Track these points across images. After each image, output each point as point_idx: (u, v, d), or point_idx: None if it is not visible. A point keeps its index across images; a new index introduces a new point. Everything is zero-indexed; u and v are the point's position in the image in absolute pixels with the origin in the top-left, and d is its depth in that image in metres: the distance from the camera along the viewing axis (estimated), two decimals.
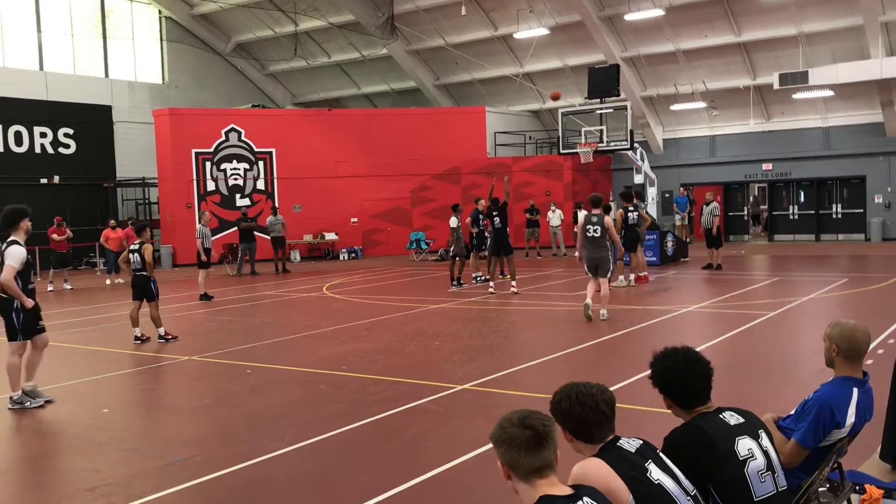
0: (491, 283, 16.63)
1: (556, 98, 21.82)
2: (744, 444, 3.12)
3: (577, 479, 2.67)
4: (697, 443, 3.09)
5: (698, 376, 3.28)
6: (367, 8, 28.64)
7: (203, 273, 17.09)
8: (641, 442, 2.89)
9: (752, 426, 3.22)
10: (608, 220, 12.28)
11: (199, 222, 18.01)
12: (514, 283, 16.01)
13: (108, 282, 21.96)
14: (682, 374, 3.27)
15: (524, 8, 27.68)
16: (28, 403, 7.99)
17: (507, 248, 16.27)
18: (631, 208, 17.15)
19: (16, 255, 7.82)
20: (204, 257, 17.14)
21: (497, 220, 16.41)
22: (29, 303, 7.93)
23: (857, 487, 4.04)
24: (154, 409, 8.17)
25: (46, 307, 16.96)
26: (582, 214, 12.83)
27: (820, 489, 3.62)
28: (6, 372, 8.07)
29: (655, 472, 2.77)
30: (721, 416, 3.22)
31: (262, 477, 5.75)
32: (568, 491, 2.50)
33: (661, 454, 2.90)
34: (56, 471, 6.14)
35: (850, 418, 3.62)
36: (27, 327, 8.07)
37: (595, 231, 12.09)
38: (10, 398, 8.01)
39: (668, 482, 2.76)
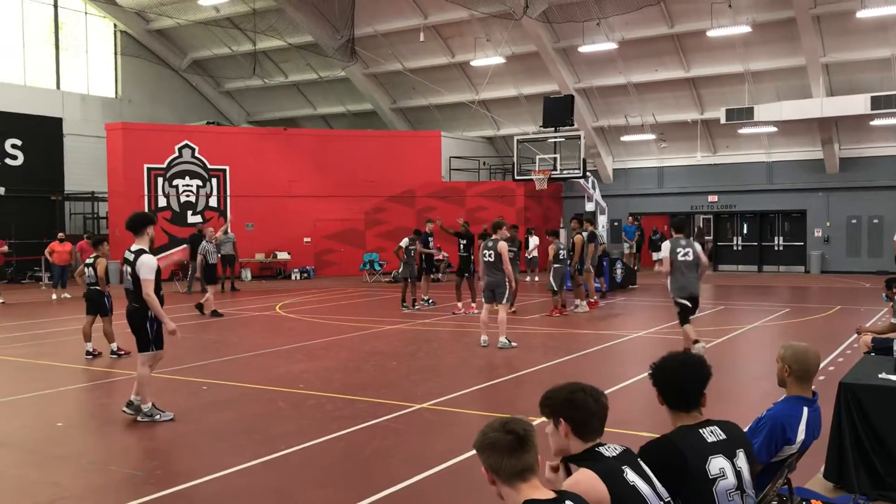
0: (459, 304, 17.02)
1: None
2: (716, 463, 3.20)
3: (569, 488, 2.79)
4: (667, 457, 3.19)
5: (687, 378, 3.39)
6: (327, 30, 28.80)
7: (212, 289, 17.27)
8: (623, 448, 3.05)
9: (730, 444, 3.28)
10: (502, 245, 12.25)
11: (204, 238, 18.17)
12: (473, 303, 16.56)
13: (53, 296, 21.50)
14: (674, 372, 3.41)
15: (481, 36, 28.16)
16: (158, 416, 7.75)
17: (469, 272, 17.41)
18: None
19: (149, 265, 7.62)
20: (198, 274, 17.28)
21: (462, 245, 17.52)
22: (171, 325, 7.69)
23: (805, 502, 4.29)
24: (110, 423, 8.09)
25: None
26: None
27: (771, 503, 3.84)
28: (137, 384, 7.80)
29: (631, 475, 2.92)
30: (701, 430, 3.29)
31: (224, 490, 5.78)
32: (551, 495, 2.64)
33: (639, 460, 3.06)
34: (14, 485, 6.06)
35: (801, 435, 3.86)
36: (159, 336, 7.85)
37: (489, 256, 12.21)
38: (140, 409, 7.77)
39: (643, 486, 2.91)
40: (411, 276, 17.89)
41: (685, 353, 3.52)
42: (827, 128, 26.40)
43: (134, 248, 7.81)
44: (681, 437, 3.28)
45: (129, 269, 7.74)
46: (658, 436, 3.38)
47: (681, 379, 3.40)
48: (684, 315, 10.58)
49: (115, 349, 11.64)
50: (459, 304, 16.91)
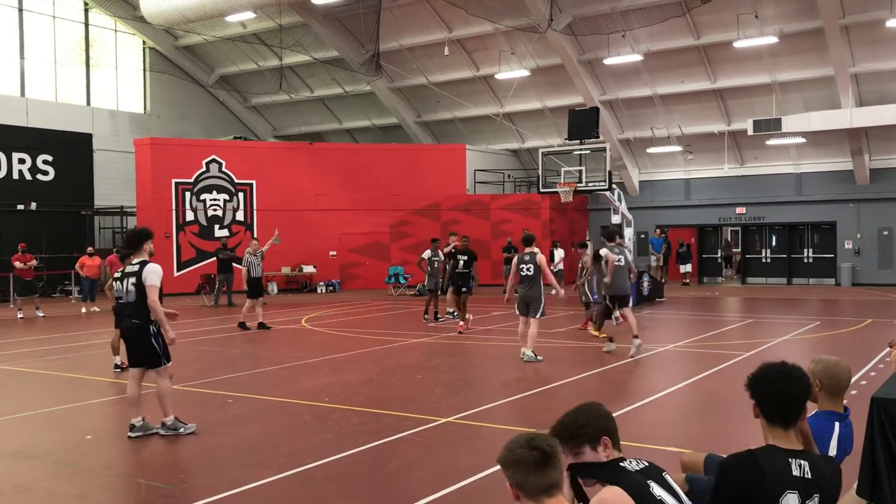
0: (461, 322, 16.40)
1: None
2: (790, 500, 3.05)
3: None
4: (746, 473, 3.06)
5: (790, 390, 3.22)
6: (352, 45, 29.02)
7: (250, 303, 16.99)
8: (647, 464, 3.01)
9: (811, 485, 3.10)
10: (541, 258, 12.34)
11: (248, 250, 17.61)
12: (461, 322, 16.22)
13: (83, 310, 21.75)
14: (776, 384, 3.23)
15: (506, 50, 28.20)
16: (182, 429, 7.75)
17: (468, 289, 16.90)
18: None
19: (156, 272, 7.63)
20: (245, 287, 17.03)
21: (463, 262, 17.02)
22: (171, 333, 7.74)
23: None
24: (138, 437, 8.14)
25: (19, 335, 16.91)
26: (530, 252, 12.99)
27: None
28: (158, 399, 7.76)
29: (657, 490, 2.89)
30: (791, 460, 3.11)
31: None
32: None
33: (664, 475, 3.02)
34: (43, 497, 6.11)
35: (832, 451, 3.79)
36: (167, 350, 7.86)
37: (528, 270, 12.21)
38: (163, 423, 7.76)
39: (670, 500, 2.88)
40: (436, 288, 17.81)
41: (784, 364, 3.31)
42: (857, 138, 26.07)
43: (135, 261, 7.81)
44: (768, 458, 3.11)
45: (130, 280, 7.67)
46: (736, 452, 3.24)
47: (782, 391, 3.22)
48: (608, 313, 13.09)
49: (119, 363, 11.68)
50: (461, 322, 16.34)
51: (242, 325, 16.84)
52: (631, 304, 13.18)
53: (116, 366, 11.68)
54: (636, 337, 12.41)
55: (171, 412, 7.83)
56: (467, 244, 17.88)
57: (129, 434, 7.69)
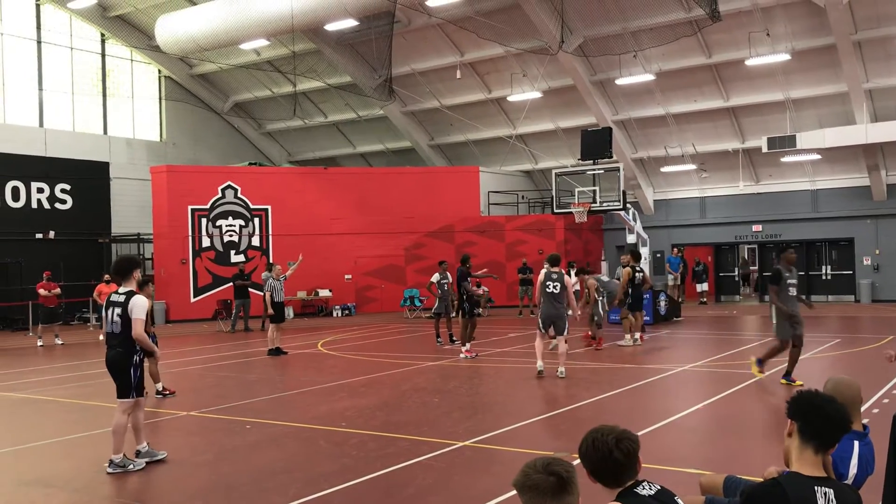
0: (463, 347, 15.83)
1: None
2: None
3: None
4: (774, 502, 3.03)
5: (835, 417, 3.18)
6: (365, 70, 29.26)
7: (273, 328, 16.83)
8: (659, 488, 2.98)
9: None
10: (567, 279, 12.68)
11: (271, 275, 17.34)
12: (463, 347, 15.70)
13: (101, 337, 21.78)
14: (822, 409, 3.19)
15: (518, 72, 28.34)
16: (131, 466, 7.57)
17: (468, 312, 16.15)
18: (638, 268, 17.42)
19: (142, 305, 7.65)
20: (271, 311, 16.80)
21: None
22: (159, 353, 8.25)
23: None
24: (155, 463, 8.14)
25: (38, 363, 17.02)
26: (542, 272, 12.98)
27: None
28: (113, 432, 7.63)
29: None
30: (816, 488, 3.06)
31: None
32: None
33: (677, 499, 2.99)
34: None
35: (853, 470, 3.73)
36: (140, 384, 7.86)
37: (555, 288, 12.44)
38: (111, 461, 7.57)
39: None
40: (446, 311, 17.68)
41: (820, 393, 3.30)
42: (873, 154, 25.94)
43: (122, 290, 7.79)
44: (793, 487, 3.06)
45: (116, 311, 7.66)
46: (760, 479, 3.22)
47: (833, 412, 3.18)
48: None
49: (161, 389, 11.77)
50: (464, 347, 15.71)
51: (277, 351, 16.62)
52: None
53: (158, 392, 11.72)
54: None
55: (122, 449, 7.64)
56: (445, 268, 17.82)
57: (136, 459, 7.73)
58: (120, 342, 7.69)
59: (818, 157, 26.94)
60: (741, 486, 3.60)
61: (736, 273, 32.18)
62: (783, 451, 3.26)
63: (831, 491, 3.06)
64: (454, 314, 17.42)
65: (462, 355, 15.35)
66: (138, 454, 7.78)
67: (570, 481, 2.59)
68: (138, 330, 7.59)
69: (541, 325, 12.72)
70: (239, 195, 27.97)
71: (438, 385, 12.22)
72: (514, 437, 8.59)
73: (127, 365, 7.70)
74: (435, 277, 17.81)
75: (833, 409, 3.18)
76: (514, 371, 13.63)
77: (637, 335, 16.92)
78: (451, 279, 17.76)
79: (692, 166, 29.39)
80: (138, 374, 7.79)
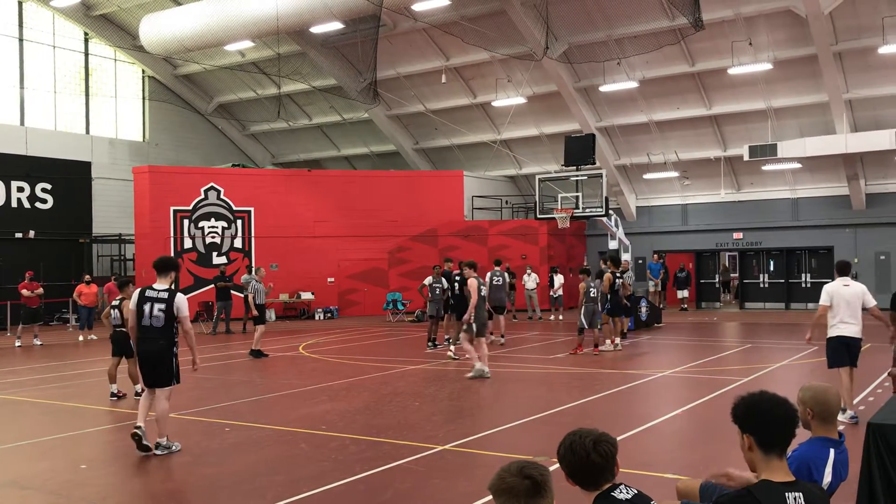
0: (452, 348, 16.20)
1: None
2: None
3: None
4: None
5: (782, 417, 3.20)
6: (350, 73, 29.24)
7: (260, 329, 16.85)
8: (636, 492, 3.00)
9: None
10: (472, 281, 13.66)
11: (254, 277, 17.42)
12: (451, 347, 16.07)
13: (80, 338, 21.69)
14: (767, 413, 3.19)
15: (503, 77, 28.43)
16: (174, 447, 8.20)
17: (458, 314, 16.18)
18: (618, 273, 17.50)
19: (186, 303, 8.38)
20: (254, 312, 16.86)
21: (457, 286, 16.72)
22: (199, 358, 8.58)
23: None
24: (133, 465, 8.09)
25: (17, 363, 16.85)
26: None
27: None
28: (158, 419, 8.17)
29: None
30: (787, 494, 3.07)
31: None
32: None
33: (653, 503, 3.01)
34: None
35: (828, 477, 3.77)
36: (178, 370, 8.44)
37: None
38: (158, 444, 8.11)
39: None
40: (437, 315, 17.68)
41: (765, 392, 3.28)
42: (852, 163, 26.22)
43: (160, 286, 8.27)
44: (765, 495, 3.07)
45: (158, 305, 8.13)
46: (741, 488, 3.19)
47: (780, 416, 3.18)
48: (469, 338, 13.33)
49: (140, 390, 11.67)
50: (453, 346, 16.10)
51: (259, 353, 16.61)
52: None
53: (113, 394, 11.66)
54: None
55: (166, 433, 8.18)
56: (438, 272, 17.92)
57: (156, 451, 8.13)
58: (162, 335, 8.18)
59: (799, 165, 27.19)
60: (716, 492, 3.64)
61: (717, 280, 32.41)
62: (747, 463, 3.25)
63: (801, 494, 3.09)
64: (444, 313, 17.64)
65: (451, 354, 15.65)
66: (158, 446, 8.16)
67: (544, 485, 2.61)
68: (188, 326, 8.31)
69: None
70: (222, 196, 27.84)
71: (420, 389, 12.22)
72: (495, 441, 8.61)
73: (170, 356, 8.24)
74: (428, 280, 17.82)
75: (784, 410, 3.19)
76: (494, 375, 13.64)
77: (618, 340, 17.01)
78: (444, 284, 17.59)
79: (674, 173, 29.58)
80: (176, 361, 8.34)
